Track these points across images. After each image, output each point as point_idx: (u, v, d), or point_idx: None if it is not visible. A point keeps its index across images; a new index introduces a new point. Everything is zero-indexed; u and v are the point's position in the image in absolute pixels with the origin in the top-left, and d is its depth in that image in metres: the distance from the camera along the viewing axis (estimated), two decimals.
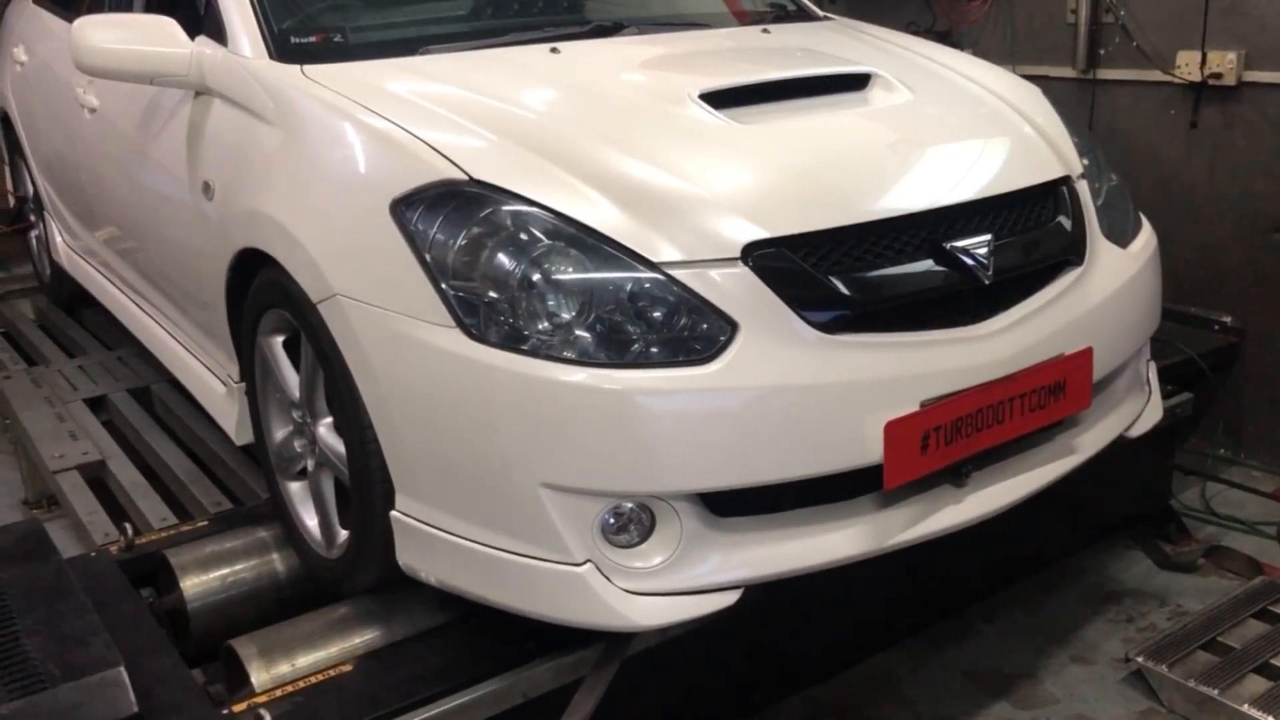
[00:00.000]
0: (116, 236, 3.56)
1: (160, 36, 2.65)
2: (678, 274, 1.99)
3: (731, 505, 2.04)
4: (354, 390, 2.14)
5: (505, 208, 2.04)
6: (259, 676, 2.16)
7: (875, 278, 2.11)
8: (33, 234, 4.84)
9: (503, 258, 2.00)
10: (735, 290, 2.00)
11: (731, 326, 1.99)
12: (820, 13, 3.38)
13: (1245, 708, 2.63)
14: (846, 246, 2.11)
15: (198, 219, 2.71)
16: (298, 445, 2.52)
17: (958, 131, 2.53)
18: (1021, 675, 2.93)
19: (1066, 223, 2.44)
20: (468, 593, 2.11)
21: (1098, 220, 2.54)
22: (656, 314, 1.98)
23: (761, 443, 1.97)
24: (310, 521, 2.50)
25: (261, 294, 2.46)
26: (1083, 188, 2.54)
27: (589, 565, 1.98)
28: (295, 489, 2.55)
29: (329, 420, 2.37)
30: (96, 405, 3.73)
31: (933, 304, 2.17)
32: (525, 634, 2.19)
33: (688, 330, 1.98)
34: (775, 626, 2.65)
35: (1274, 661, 2.79)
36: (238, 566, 2.49)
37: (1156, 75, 3.94)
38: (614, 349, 1.96)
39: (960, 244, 2.19)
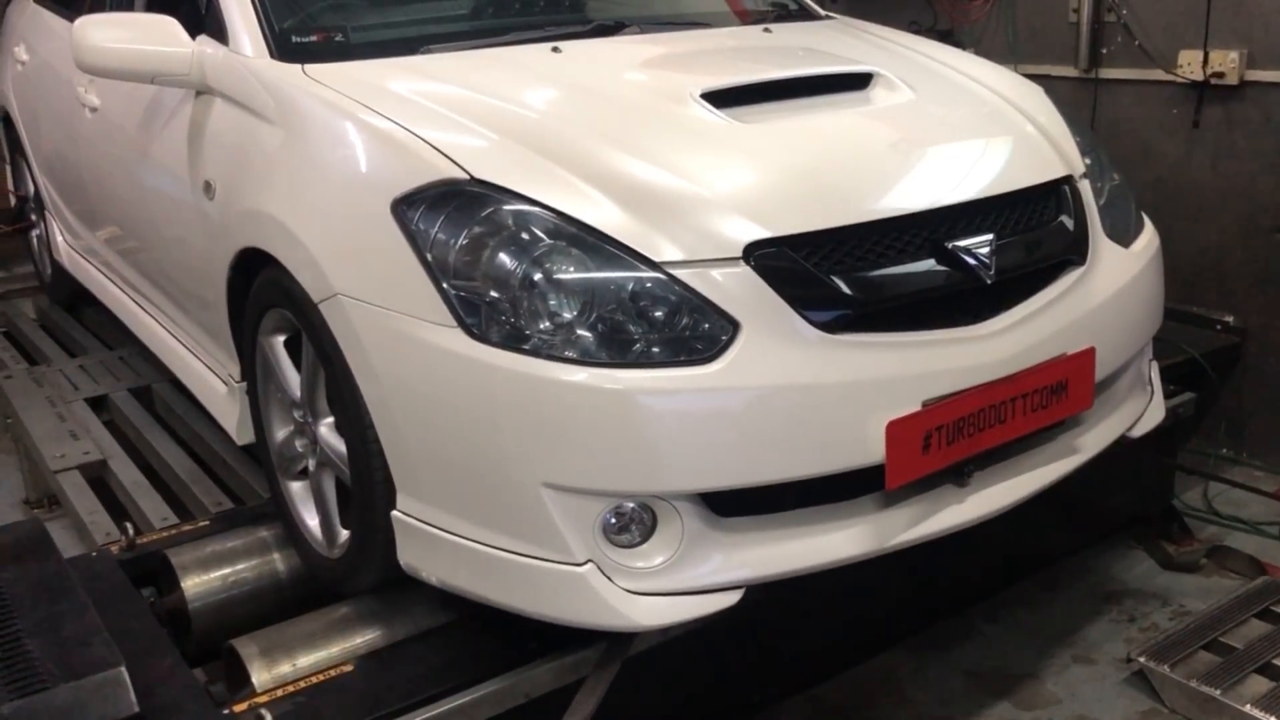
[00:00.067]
0: (117, 236, 3.56)
1: (161, 36, 2.65)
2: (679, 273, 1.99)
3: (733, 505, 2.04)
4: (355, 390, 2.14)
5: (507, 207, 2.04)
6: (260, 676, 2.16)
7: (877, 277, 2.11)
8: (34, 233, 4.84)
9: (504, 257, 2.00)
10: (737, 290, 2.00)
11: (733, 326, 1.98)
12: (822, 12, 3.38)
13: (1247, 708, 2.63)
14: (848, 246, 2.11)
15: (199, 218, 2.70)
16: (299, 445, 2.52)
17: (960, 131, 2.53)
18: (1023, 675, 2.93)
19: (1069, 222, 2.44)
20: (469, 592, 2.11)
21: (1100, 220, 2.53)
22: (658, 314, 1.98)
23: (763, 442, 1.97)
24: (311, 521, 2.50)
25: (263, 293, 2.46)
26: (1085, 187, 2.54)
27: (590, 565, 1.98)
28: (296, 489, 2.54)
29: (330, 420, 2.37)
30: (98, 405, 3.73)
31: (935, 304, 2.17)
32: (527, 634, 2.18)
33: (689, 330, 1.98)
34: (777, 626, 2.65)
35: (1276, 662, 2.78)
36: (239, 566, 2.49)
37: (1158, 74, 3.94)
38: (615, 349, 1.96)
39: (962, 243, 2.18)
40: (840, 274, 2.07)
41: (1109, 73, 4.13)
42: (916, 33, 3.70)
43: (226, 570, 2.47)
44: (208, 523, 2.69)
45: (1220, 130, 3.85)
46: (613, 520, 1.99)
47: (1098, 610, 3.19)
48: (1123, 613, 3.18)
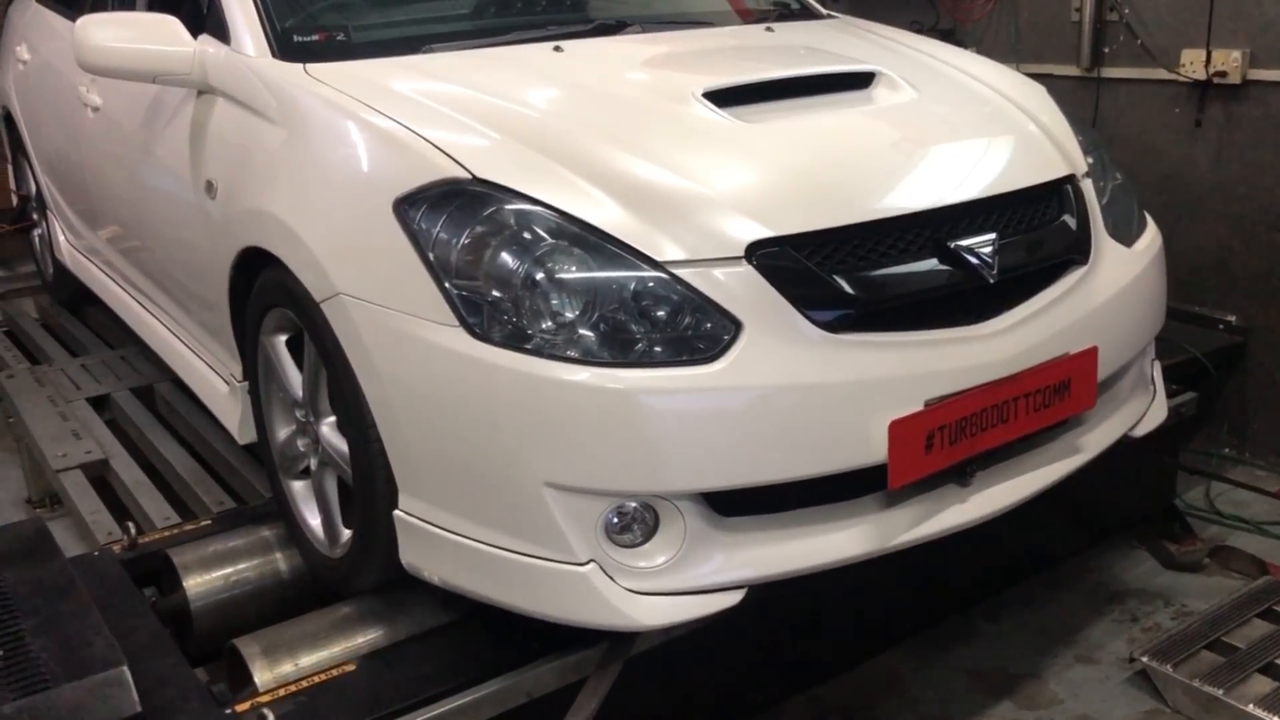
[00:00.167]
0: (119, 235, 3.56)
1: (163, 35, 2.65)
2: (681, 273, 1.99)
3: (735, 505, 2.04)
4: (357, 389, 2.13)
5: (509, 206, 2.04)
6: (262, 676, 2.16)
7: (879, 277, 2.11)
8: (35, 232, 4.84)
9: (506, 256, 2.00)
10: (739, 289, 2.00)
11: (735, 326, 1.98)
12: (824, 11, 3.38)
13: (1250, 708, 2.63)
14: (851, 245, 2.11)
15: (200, 218, 2.70)
16: (301, 444, 2.52)
17: (962, 130, 2.53)
18: (1026, 675, 2.93)
19: (1071, 221, 2.44)
20: (471, 592, 2.11)
21: (1102, 219, 2.53)
22: (660, 313, 1.98)
23: (765, 442, 1.97)
24: (313, 521, 2.50)
25: (264, 293, 2.46)
26: (1087, 186, 2.54)
27: (592, 565, 1.98)
28: (298, 488, 2.54)
29: (332, 419, 2.37)
30: (99, 404, 3.73)
31: (937, 303, 2.17)
32: (529, 633, 2.18)
33: (691, 329, 1.98)
34: (779, 626, 2.65)
35: (1279, 661, 2.78)
36: (241, 566, 2.49)
37: (1161, 74, 3.94)
38: (618, 348, 1.96)
39: (965, 243, 2.18)
40: (842, 273, 2.07)
41: (1111, 72, 4.12)
42: (918, 32, 3.70)
43: (228, 570, 2.46)
44: (210, 522, 2.69)
45: (1223, 130, 3.84)
46: (615, 520, 1.99)
47: (1100, 610, 3.19)
48: (1125, 612, 3.18)
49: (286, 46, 2.58)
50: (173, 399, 3.62)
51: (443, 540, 2.08)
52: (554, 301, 1.98)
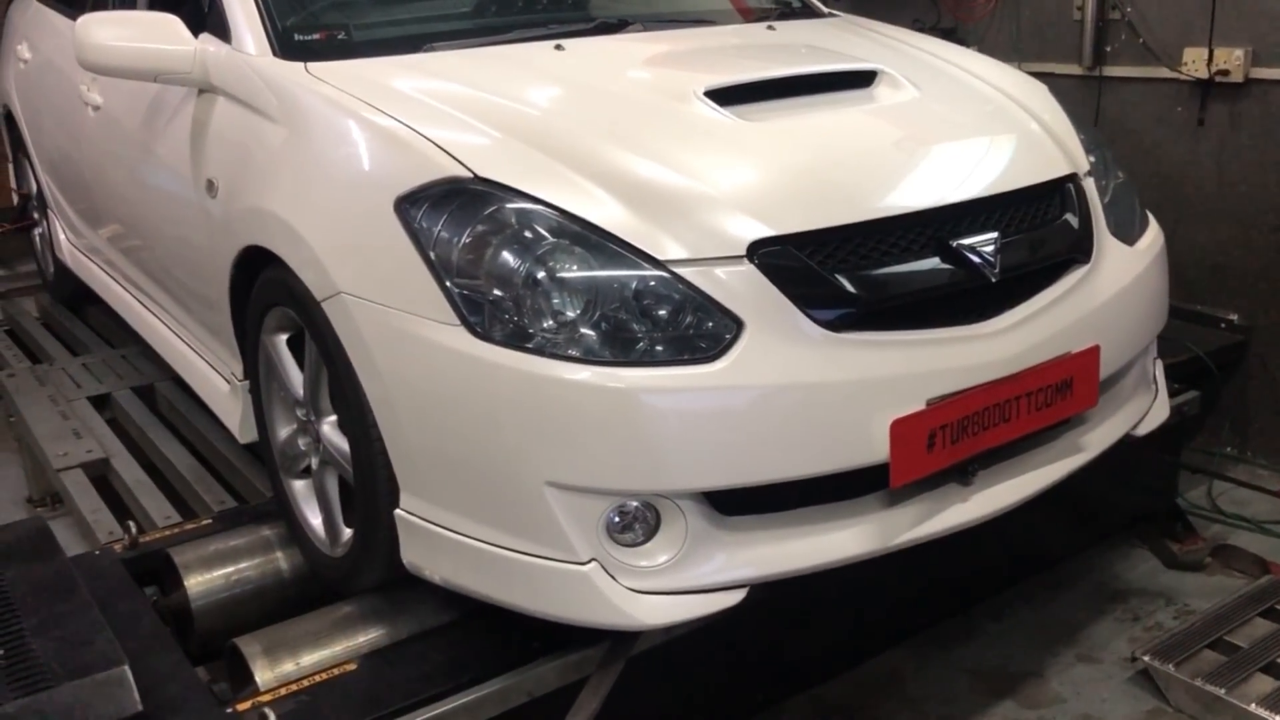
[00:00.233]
0: (120, 234, 3.56)
1: (164, 34, 2.65)
2: (683, 272, 1.99)
3: (737, 504, 2.03)
4: (358, 388, 2.13)
5: (510, 205, 2.03)
6: (263, 675, 2.16)
7: (881, 275, 2.11)
8: (36, 231, 4.84)
9: (507, 255, 2.00)
10: (741, 288, 2.00)
11: (737, 325, 1.98)
12: (825, 9, 3.38)
13: (1252, 707, 2.63)
14: (852, 244, 2.10)
15: (201, 217, 2.70)
16: (302, 443, 2.51)
17: (963, 129, 2.52)
18: (1027, 674, 2.92)
19: (1073, 220, 2.43)
20: (472, 591, 2.11)
21: (1104, 218, 2.53)
22: (662, 312, 1.97)
23: (767, 441, 1.96)
24: (314, 520, 2.49)
25: (265, 292, 2.46)
26: (1089, 185, 2.53)
27: (594, 564, 1.98)
28: (299, 487, 2.54)
29: (333, 418, 2.37)
30: (100, 403, 3.73)
31: (939, 302, 2.16)
32: (530, 633, 2.18)
33: (693, 328, 1.97)
34: (780, 625, 2.65)
35: None
36: (242, 565, 2.49)
37: (1163, 72, 3.93)
38: (619, 347, 1.96)
39: (966, 241, 2.18)
40: (844, 272, 2.07)
41: (1113, 70, 4.12)
42: (920, 30, 3.70)
43: (229, 569, 2.46)
44: (210, 521, 2.69)
45: (1225, 128, 3.84)
46: (616, 519, 1.98)
47: (1102, 609, 3.19)
48: (1127, 611, 3.18)
49: (287, 45, 2.58)
50: (174, 398, 3.62)
51: (444, 539, 2.08)
52: (555, 300, 1.98)
